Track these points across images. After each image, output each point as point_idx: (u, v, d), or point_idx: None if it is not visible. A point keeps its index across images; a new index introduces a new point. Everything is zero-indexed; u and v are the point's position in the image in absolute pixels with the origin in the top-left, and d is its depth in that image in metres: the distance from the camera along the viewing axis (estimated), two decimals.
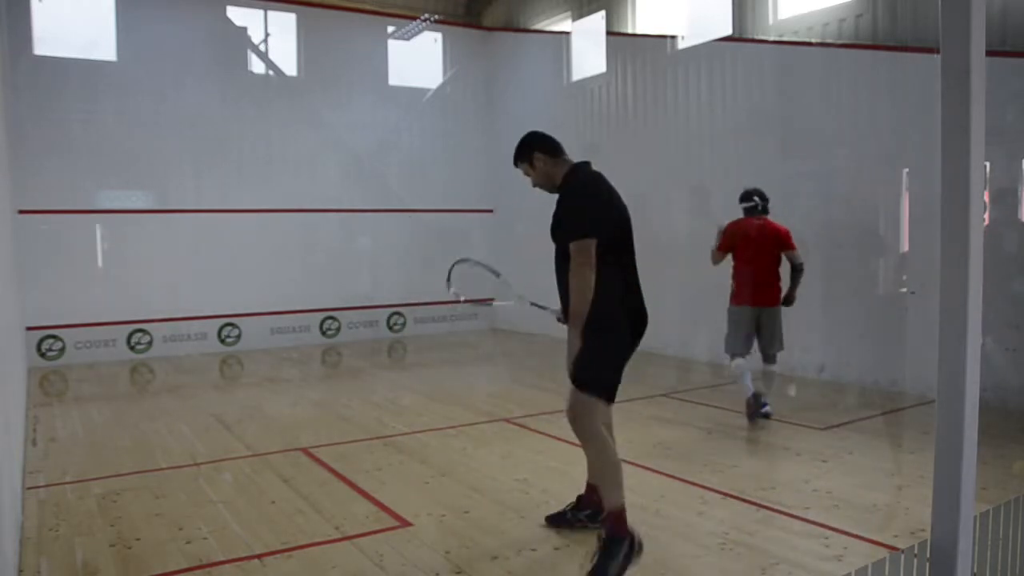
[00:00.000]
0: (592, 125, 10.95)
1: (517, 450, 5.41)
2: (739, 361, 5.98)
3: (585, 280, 3.28)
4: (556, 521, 3.87)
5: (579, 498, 3.89)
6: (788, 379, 7.89)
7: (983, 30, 1.95)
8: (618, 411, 6.74)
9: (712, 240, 6.10)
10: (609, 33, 10.64)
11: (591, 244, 3.29)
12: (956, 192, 1.98)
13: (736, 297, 6.02)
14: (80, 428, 6.41)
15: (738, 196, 6.15)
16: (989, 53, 1.99)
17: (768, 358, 6.07)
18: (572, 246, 3.31)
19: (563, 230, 3.43)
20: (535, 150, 3.67)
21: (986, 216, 6.07)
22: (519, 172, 3.79)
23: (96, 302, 10.03)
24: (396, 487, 4.60)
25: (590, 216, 3.37)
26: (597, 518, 3.65)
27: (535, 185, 3.76)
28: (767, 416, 6.03)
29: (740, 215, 6.08)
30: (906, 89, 6.92)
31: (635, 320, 3.51)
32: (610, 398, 3.52)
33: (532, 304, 4.10)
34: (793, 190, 7.78)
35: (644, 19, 10.24)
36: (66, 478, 4.90)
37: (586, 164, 3.64)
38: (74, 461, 5.35)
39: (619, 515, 3.30)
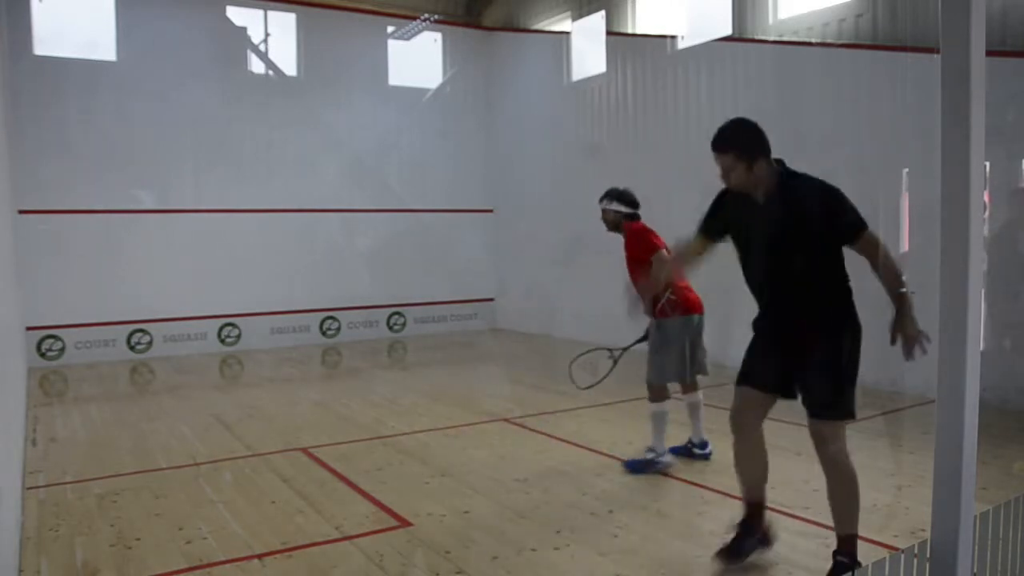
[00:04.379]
0: (592, 125, 10.94)
1: (517, 450, 5.41)
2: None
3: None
4: (734, 556, 3.30)
5: (743, 524, 3.37)
6: None
7: (983, 30, 1.95)
8: (618, 411, 6.70)
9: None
10: (609, 33, 10.64)
11: None
12: (956, 192, 1.98)
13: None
14: (80, 428, 6.41)
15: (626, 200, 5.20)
16: (989, 53, 1.99)
17: None
18: (868, 234, 3.13)
19: (845, 221, 3.21)
20: (760, 155, 3.15)
21: (986, 215, 6.07)
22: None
23: (96, 302, 10.03)
24: (396, 487, 4.60)
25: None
26: (766, 543, 3.39)
27: (732, 185, 3.22)
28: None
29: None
30: (906, 89, 6.92)
31: None
32: None
33: None
34: None
35: (644, 19, 10.23)
36: (66, 478, 4.90)
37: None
38: (74, 461, 5.35)
39: (855, 538, 3.12)
